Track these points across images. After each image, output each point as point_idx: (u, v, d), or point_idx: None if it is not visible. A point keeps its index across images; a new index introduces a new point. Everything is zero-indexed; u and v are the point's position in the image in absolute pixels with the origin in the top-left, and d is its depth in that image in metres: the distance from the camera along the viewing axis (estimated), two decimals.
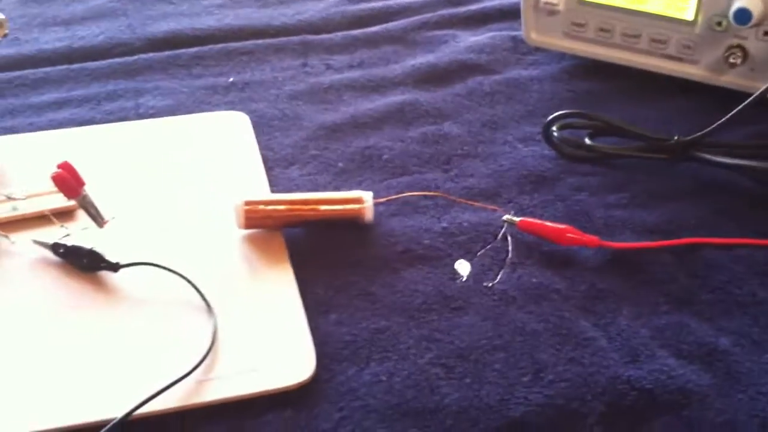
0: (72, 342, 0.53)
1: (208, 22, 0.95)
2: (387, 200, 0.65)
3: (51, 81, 0.84)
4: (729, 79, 0.77)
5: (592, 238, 0.61)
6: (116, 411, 0.48)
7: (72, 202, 0.61)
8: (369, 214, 0.62)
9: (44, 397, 0.49)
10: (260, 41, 0.91)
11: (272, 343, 0.53)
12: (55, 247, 0.59)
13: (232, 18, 0.96)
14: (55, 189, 0.61)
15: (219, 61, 0.88)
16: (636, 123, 0.73)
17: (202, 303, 0.55)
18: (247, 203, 0.61)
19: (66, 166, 0.58)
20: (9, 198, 0.62)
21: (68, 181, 0.57)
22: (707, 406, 0.50)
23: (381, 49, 0.90)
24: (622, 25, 0.80)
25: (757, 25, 0.73)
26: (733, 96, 0.70)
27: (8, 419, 0.48)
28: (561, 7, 0.82)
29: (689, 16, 0.76)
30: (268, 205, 0.61)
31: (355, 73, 0.85)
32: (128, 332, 0.54)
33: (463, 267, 0.59)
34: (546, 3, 0.82)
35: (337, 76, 0.85)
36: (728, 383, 0.52)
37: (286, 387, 0.50)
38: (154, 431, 0.48)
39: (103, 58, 0.88)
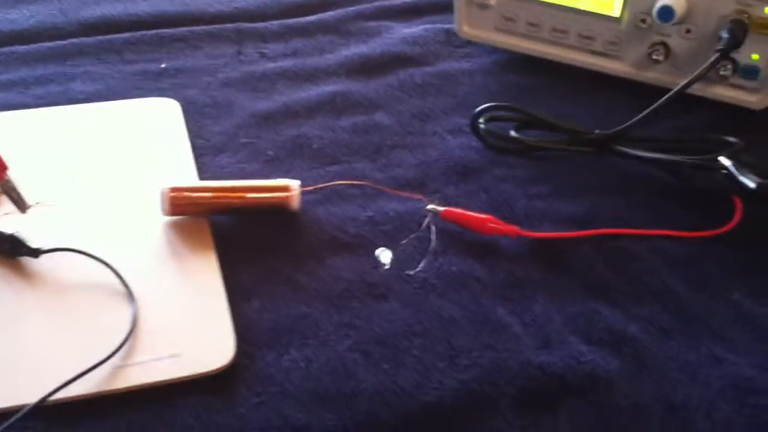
0: None
1: (143, 7, 0.94)
2: (315, 189, 0.65)
3: None
4: (652, 75, 0.79)
5: (512, 228, 0.62)
6: (34, 397, 0.48)
7: None
8: (296, 203, 0.63)
9: None
10: (195, 28, 0.90)
11: (193, 329, 0.53)
12: None
13: (167, 4, 0.95)
14: None
15: (152, 47, 0.87)
16: (563, 116, 0.74)
17: (124, 289, 0.55)
18: (173, 189, 0.61)
19: None
20: None
21: None
22: (614, 391, 0.52)
23: (315, 39, 0.91)
24: (550, 20, 0.82)
25: (680, 22, 0.75)
26: (658, 91, 0.73)
27: None
28: (492, 2, 0.83)
29: (615, 12, 0.78)
30: (194, 192, 0.62)
31: (288, 62, 0.86)
32: (48, 318, 0.54)
33: (384, 255, 0.60)
34: None
35: (270, 65, 0.85)
36: (635, 368, 0.54)
37: (205, 372, 0.51)
38: (73, 417, 0.48)
39: (34, 41, 0.87)
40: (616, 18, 0.79)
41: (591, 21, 0.80)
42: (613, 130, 0.71)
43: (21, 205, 0.59)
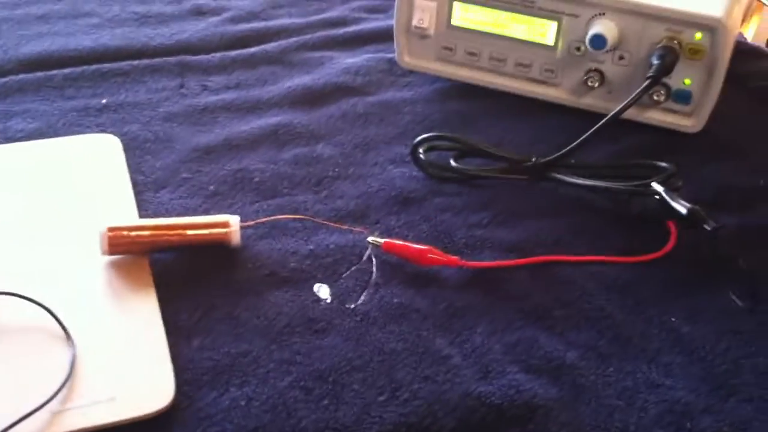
0: None
1: (84, 42, 0.94)
2: (255, 223, 0.66)
3: None
4: (588, 101, 0.81)
5: (452, 259, 0.63)
6: None
7: None
8: (235, 238, 0.63)
9: None
10: (136, 62, 0.90)
11: (132, 371, 0.53)
12: None
13: (108, 38, 0.95)
14: None
15: (93, 82, 0.87)
16: (504, 142, 0.76)
17: (62, 332, 0.55)
18: (111, 229, 0.61)
19: None
20: None
21: None
22: (552, 419, 0.53)
23: (258, 71, 0.91)
24: (488, 49, 0.83)
25: (613, 49, 0.77)
26: (595, 116, 0.74)
27: None
28: (431, 32, 0.85)
29: (550, 41, 0.80)
30: (132, 231, 0.62)
31: (231, 95, 0.86)
32: None
33: (323, 290, 0.61)
34: (417, 27, 0.85)
35: (213, 98, 0.85)
36: (573, 396, 0.54)
37: (144, 415, 0.50)
38: None
39: None
40: (551, 46, 0.80)
41: (527, 49, 0.82)
42: (550, 157, 0.72)
43: None
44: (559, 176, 0.71)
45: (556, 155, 0.71)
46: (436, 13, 0.84)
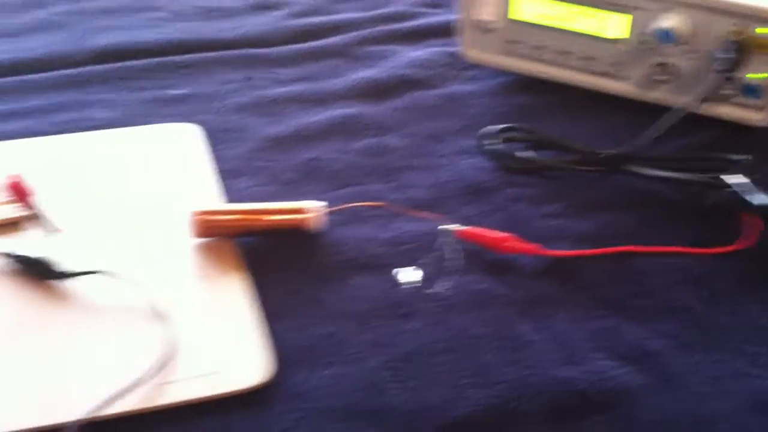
0: (25, 348, 0.54)
1: (151, 35, 0.96)
2: (333, 210, 0.67)
3: None
4: (656, 95, 0.82)
5: (531, 246, 0.64)
6: (73, 415, 0.49)
7: (21, 213, 0.62)
8: (316, 224, 0.64)
9: None
10: (205, 54, 0.92)
11: (229, 347, 0.54)
12: (5, 256, 0.59)
13: (176, 31, 0.97)
14: (5, 199, 0.62)
15: (163, 74, 0.89)
16: (569, 136, 0.76)
17: (157, 310, 0.57)
18: (201, 213, 0.62)
19: (17, 177, 0.58)
20: None
21: (20, 191, 0.58)
22: (638, 405, 0.53)
23: (323, 63, 0.92)
24: (553, 43, 0.84)
25: (680, 44, 0.78)
26: (661, 110, 0.75)
27: None
28: (496, 26, 0.85)
29: (618, 35, 0.81)
30: (221, 215, 0.63)
31: (298, 87, 0.88)
32: (82, 339, 0.55)
33: (407, 275, 0.62)
34: (482, 21, 0.86)
35: (281, 89, 0.87)
36: (659, 383, 0.55)
37: (245, 389, 0.52)
38: None
39: (48, 70, 0.88)
40: (619, 40, 0.81)
41: (594, 43, 0.82)
42: (622, 150, 0.73)
43: (49, 229, 0.60)
44: (632, 168, 0.71)
45: (628, 148, 0.72)
46: (501, 7, 0.85)
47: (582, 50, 0.83)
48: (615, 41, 0.81)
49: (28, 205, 0.59)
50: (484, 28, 0.87)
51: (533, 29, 0.84)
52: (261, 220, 0.64)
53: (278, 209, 0.64)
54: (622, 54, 0.81)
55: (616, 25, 0.80)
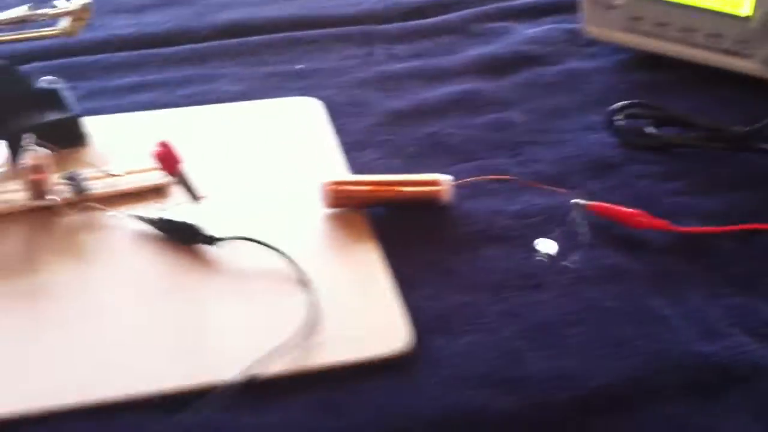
0: (176, 311, 0.56)
1: (271, 11, 0.98)
2: (462, 183, 0.68)
3: (127, 65, 0.87)
4: None
5: (661, 222, 0.64)
6: (225, 375, 0.51)
7: (166, 179, 0.65)
8: (447, 196, 0.65)
9: (152, 362, 0.53)
10: (324, 30, 0.94)
11: (370, 315, 0.56)
12: (154, 222, 0.62)
13: (293, 8, 0.99)
14: (150, 167, 0.65)
15: (285, 49, 0.91)
16: (692, 114, 0.76)
17: (297, 276, 0.59)
18: (334, 183, 0.64)
19: (165, 145, 0.61)
20: (108, 174, 0.65)
21: (169, 158, 0.60)
22: None
23: (440, 39, 0.93)
24: (678, 19, 0.83)
25: None
26: None
27: (117, 382, 0.51)
28: (619, 2, 0.85)
29: (745, 11, 0.79)
30: (353, 186, 0.65)
31: (416, 62, 0.89)
32: (229, 302, 0.57)
33: (546, 245, 0.62)
34: None
35: (400, 65, 0.88)
36: None
37: (388, 355, 0.53)
38: (267, 393, 0.51)
39: (173, 44, 0.91)
40: (746, 17, 0.79)
41: (720, 20, 0.81)
42: (750, 127, 0.72)
43: (194, 196, 0.63)
44: (760, 145, 0.71)
45: (757, 125, 0.71)
46: None
47: (708, 27, 0.82)
48: (742, 18, 0.80)
49: (176, 173, 0.62)
50: (607, 5, 0.86)
51: (657, 6, 0.83)
52: (394, 191, 0.65)
53: (411, 181, 0.66)
54: (749, 31, 0.80)
55: (743, 2, 0.79)
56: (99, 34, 0.91)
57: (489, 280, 0.60)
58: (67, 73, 0.80)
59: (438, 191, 0.65)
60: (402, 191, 0.65)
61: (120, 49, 0.89)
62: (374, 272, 0.60)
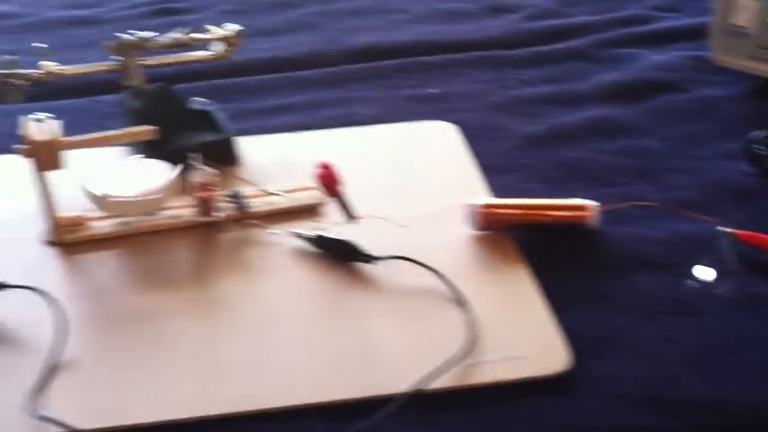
0: (339, 326, 0.59)
1: (400, 36, 1.01)
2: (608, 208, 0.69)
3: (267, 88, 0.91)
4: None
5: None
6: (384, 389, 0.53)
7: (322, 199, 0.68)
8: (594, 221, 0.67)
9: (321, 373, 0.55)
10: (453, 55, 0.96)
11: (525, 335, 0.58)
12: (314, 239, 0.65)
13: (422, 33, 1.02)
14: (305, 186, 0.68)
15: (417, 73, 0.93)
16: None
17: (454, 295, 0.60)
18: (484, 206, 0.66)
19: (327, 166, 0.64)
20: (267, 193, 0.69)
21: (330, 179, 0.63)
22: None
23: (568, 65, 0.95)
24: None
25: None
26: None
27: (290, 390, 0.54)
28: (750, 30, 0.85)
29: None
30: (502, 209, 0.66)
31: (547, 88, 0.90)
32: (389, 318, 0.59)
33: (703, 272, 0.63)
34: (735, 26, 0.86)
35: (531, 90, 0.90)
36: None
37: (546, 375, 0.55)
38: (433, 407, 0.53)
39: (308, 68, 0.95)
40: None
41: None
42: None
43: (350, 216, 0.65)
44: None
45: None
46: (756, 12, 0.84)
47: None
48: None
49: (336, 193, 0.64)
50: (736, 33, 0.86)
51: None
52: (542, 214, 0.66)
53: (558, 205, 0.67)
54: None
55: None
56: (237, 56, 0.95)
57: (642, 305, 0.61)
58: (211, 95, 0.83)
59: (585, 216, 0.66)
60: (550, 215, 0.66)
61: (259, 72, 0.93)
62: (527, 293, 0.61)
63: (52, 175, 0.64)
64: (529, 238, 0.67)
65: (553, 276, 0.64)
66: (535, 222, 0.67)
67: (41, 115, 0.62)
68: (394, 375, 0.54)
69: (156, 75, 0.76)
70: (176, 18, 1.08)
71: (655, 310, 0.61)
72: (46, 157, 0.61)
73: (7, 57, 0.70)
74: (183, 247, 0.66)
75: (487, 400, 0.54)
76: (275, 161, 0.76)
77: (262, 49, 0.98)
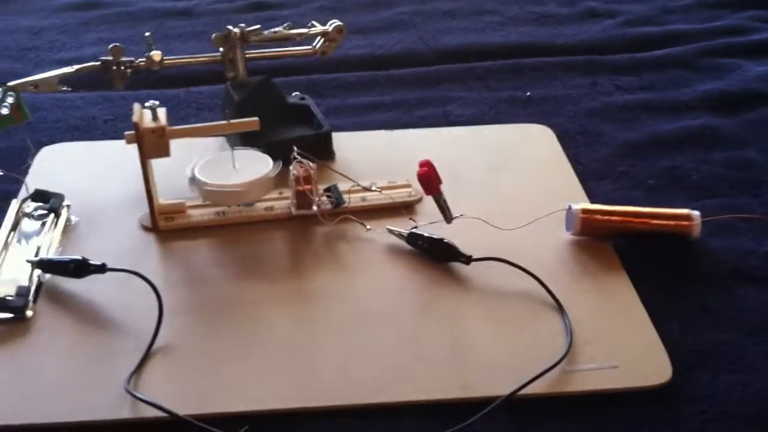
0: (435, 325, 0.58)
1: (495, 38, 1.00)
2: (712, 219, 0.67)
3: (362, 85, 0.91)
4: None
5: None
6: (482, 391, 0.52)
7: (417, 197, 0.67)
8: (696, 232, 0.65)
9: (418, 371, 0.54)
10: (549, 59, 0.95)
11: (624, 344, 0.56)
12: (409, 237, 0.64)
13: (515, 35, 1.01)
14: (400, 183, 0.68)
15: (512, 75, 0.92)
16: None
17: (549, 299, 0.59)
18: (584, 211, 0.65)
19: (429, 165, 0.63)
20: (364, 189, 0.68)
21: (432, 178, 0.63)
22: None
23: (667, 73, 0.93)
24: None
25: None
26: None
27: (388, 388, 0.53)
28: None
29: None
30: (604, 215, 0.65)
31: (645, 95, 0.88)
32: (485, 320, 0.58)
33: None
34: None
35: (628, 97, 0.88)
36: None
37: (645, 386, 0.53)
38: (528, 413, 0.52)
39: (403, 66, 0.95)
40: None
41: None
42: None
43: (448, 216, 0.65)
44: None
45: None
46: None
47: None
48: None
49: (436, 192, 0.63)
50: None
51: None
52: (645, 223, 0.65)
53: (661, 214, 0.65)
54: None
55: None
56: (332, 53, 0.95)
57: (747, 320, 0.59)
58: (306, 90, 0.83)
59: (688, 226, 0.65)
60: (652, 224, 0.65)
61: (353, 69, 0.93)
62: (627, 302, 0.60)
63: (155, 163, 0.65)
64: (629, 246, 0.66)
65: (654, 286, 0.62)
66: (636, 230, 0.65)
67: (151, 102, 0.63)
68: (488, 378, 0.54)
69: (253, 68, 0.76)
70: (270, 12, 1.09)
71: (759, 325, 0.59)
72: (152, 144, 0.62)
73: (116, 44, 0.71)
74: (278, 240, 0.66)
75: (582, 409, 0.53)
76: (370, 158, 0.76)
77: (356, 46, 0.99)
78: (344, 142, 0.78)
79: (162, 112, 0.63)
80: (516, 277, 0.62)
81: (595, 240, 0.66)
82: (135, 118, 0.61)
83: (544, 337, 0.57)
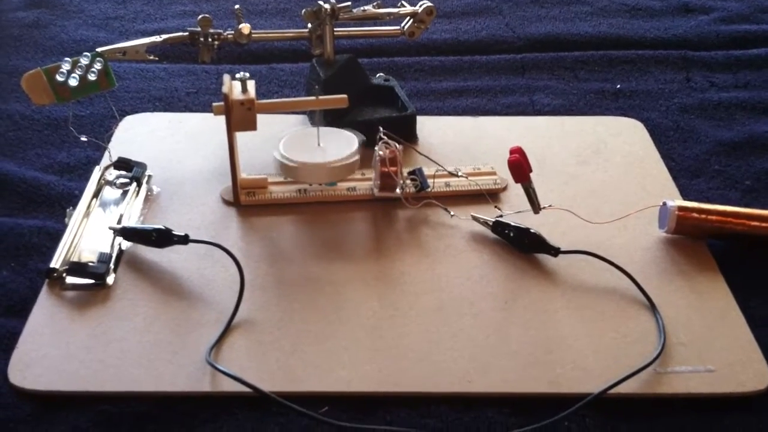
0: (525, 317, 0.56)
1: (584, 28, 0.97)
2: None
3: (445, 70, 0.89)
4: None
5: None
6: (570, 387, 0.51)
7: (504, 184, 0.65)
8: None
9: (505, 364, 0.53)
10: (641, 51, 0.92)
11: (719, 348, 0.54)
12: (495, 225, 0.62)
13: (605, 26, 0.98)
14: (485, 170, 0.66)
15: (601, 67, 0.90)
16: None
17: (640, 296, 0.57)
18: (681, 209, 0.62)
19: (520, 152, 0.61)
20: (450, 174, 0.67)
21: (523, 166, 0.61)
22: None
23: (764, 72, 0.89)
24: None
25: None
26: None
27: (456, 380, 0.52)
28: None
29: None
30: (701, 214, 0.62)
31: (741, 94, 0.85)
32: (574, 315, 0.56)
33: None
34: None
35: (723, 95, 0.85)
36: None
37: (744, 392, 0.51)
38: (618, 413, 0.50)
39: (488, 53, 0.92)
40: None
41: None
42: None
43: (536, 205, 0.62)
44: None
45: None
46: None
47: None
48: None
49: (525, 180, 0.61)
50: None
51: None
52: (743, 224, 0.62)
53: (763, 216, 0.62)
54: None
55: None
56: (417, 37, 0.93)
57: None
58: (390, 72, 0.82)
59: None
60: (751, 225, 0.62)
61: (438, 54, 0.91)
62: (723, 304, 0.57)
63: (241, 136, 0.64)
64: (723, 247, 0.63)
65: (750, 289, 0.60)
66: (733, 232, 0.62)
67: (241, 74, 0.62)
68: (577, 374, 0.52)
69: (338, 47, 0.75)
70: None
71: None
72: (240, 117, 0.61)
73: (204, 15, 0.71)
74: (360, 221, 0.65)
75: (674, 412, 0.51)
76: (453, 143, 0.74)
77: (441, 30, 0.97)
78: (427, 126, 0.77)
79: (251, 85, 0.62)
80: (606, 273, 0.60)
81: (691, 239, 0.63)
82: (225, 89, 0.60)
83: (634, 336, 0.55)
